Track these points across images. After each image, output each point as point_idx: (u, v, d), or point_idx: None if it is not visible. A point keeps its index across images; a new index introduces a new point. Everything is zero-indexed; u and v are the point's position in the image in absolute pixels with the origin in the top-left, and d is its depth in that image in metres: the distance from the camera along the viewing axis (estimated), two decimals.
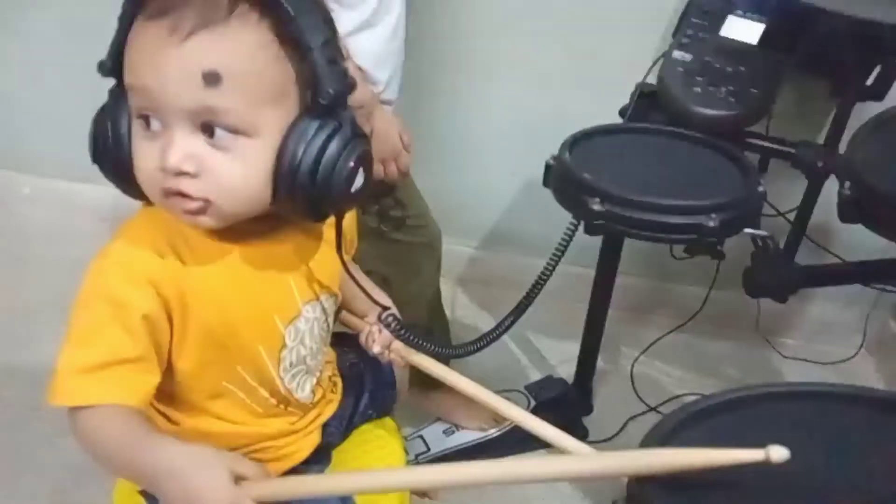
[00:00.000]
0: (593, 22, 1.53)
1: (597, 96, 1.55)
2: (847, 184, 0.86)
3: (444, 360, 1.11)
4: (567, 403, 1.46)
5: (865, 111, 1.25)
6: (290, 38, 0.62)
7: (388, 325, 0.89)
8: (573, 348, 1.60)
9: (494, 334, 1.26)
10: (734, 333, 1.74)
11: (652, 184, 0.99)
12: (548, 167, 1.05)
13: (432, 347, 0.93)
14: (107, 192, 0.70)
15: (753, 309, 1.64)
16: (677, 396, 1.57)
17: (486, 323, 1.75)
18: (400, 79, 1.18)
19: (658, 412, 1.53)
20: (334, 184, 0.65)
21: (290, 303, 0.77)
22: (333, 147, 0.64)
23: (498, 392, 1.46)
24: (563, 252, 1.22)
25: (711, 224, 0.91)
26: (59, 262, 1.76)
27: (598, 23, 1.52)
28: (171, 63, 0.60)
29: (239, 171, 0.63)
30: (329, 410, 0.89)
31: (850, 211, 0.86)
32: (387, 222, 1.17)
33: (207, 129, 0.62)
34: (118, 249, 0.68)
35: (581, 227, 1.14)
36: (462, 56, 1.59)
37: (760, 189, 0.98)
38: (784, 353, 1.71)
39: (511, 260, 1.82)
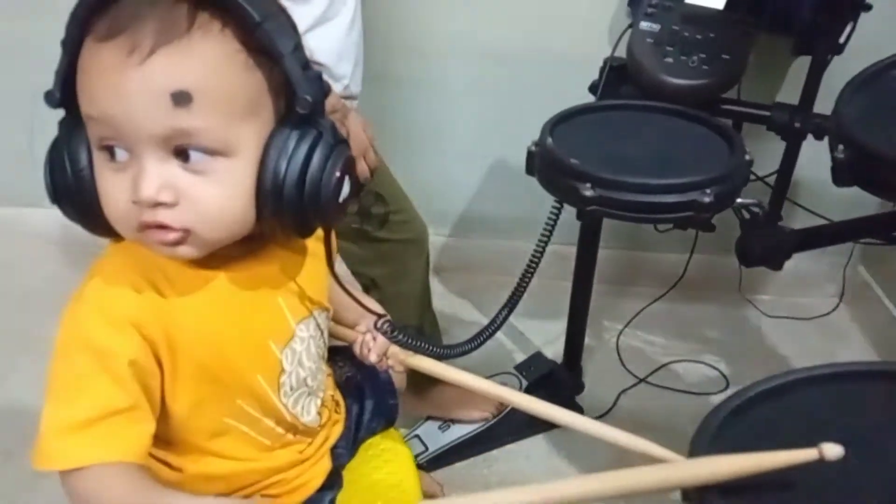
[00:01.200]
0: None
1: (557, 72, 1.53)
2: (840, 147, 0.84)
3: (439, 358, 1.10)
4: (558, 380, 1.45)
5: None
6: (258, 45, 0.57)
7: (385, 333, 0.85)
8: (557, 327, 1.59)
9: (492, 329, 1.25)
10: (714, 295, 1.74)
11: (641, 163, 0.96)
12: (530, 154, 1.01)
13: (432, 349, 0.90)
14: (52, 215, 0.64)
15: (731, 270, 1.64)
16: (665, 365, 1.58)
17: (467, 311, 1.73)
18: (361, 70, 1.13)
19: (648, 383, 1.53)
20: (323, 197, 0.61)
21: (282, 324, 0.73)
22: (317, 158, 0.60)
23: (488, 377, 1.45)
24: (549, 236, 1.20)
25: (706, 200, 0.89)
26: (9, 293, 1.69)
27: None
28: (135, 86, 0.54)
29: (219, 195, 0.59)
30: (336, 432, 0.85)
31: (844, 174, 0.84)
32: (370, 221, 1.13)
33: (181, 153, 0.57)
34: (93, 293, 0.62)
35: (564, 209, 1.13)
36: (418, 41, 1.54)
37: (747, 157, 0.96)
38: (765, 310, 1.73)
39: (484, 244, 1.80)
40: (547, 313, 1.62)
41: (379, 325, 0.85)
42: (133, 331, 0.61)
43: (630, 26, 1.18)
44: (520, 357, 1.58)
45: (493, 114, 1.59)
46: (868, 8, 1.07)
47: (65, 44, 0.57)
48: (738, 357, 1.61)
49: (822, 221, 1.37)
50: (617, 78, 1.19)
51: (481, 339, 1.27)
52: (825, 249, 1.65)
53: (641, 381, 1.54)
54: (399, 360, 0.88)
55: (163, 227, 0.58)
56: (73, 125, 0.59)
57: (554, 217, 1.22)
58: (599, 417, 1.44)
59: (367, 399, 0.93)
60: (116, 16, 0.55)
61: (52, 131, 0.61)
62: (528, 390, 1.39)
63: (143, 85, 0.54)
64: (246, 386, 0.70)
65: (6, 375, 1.42)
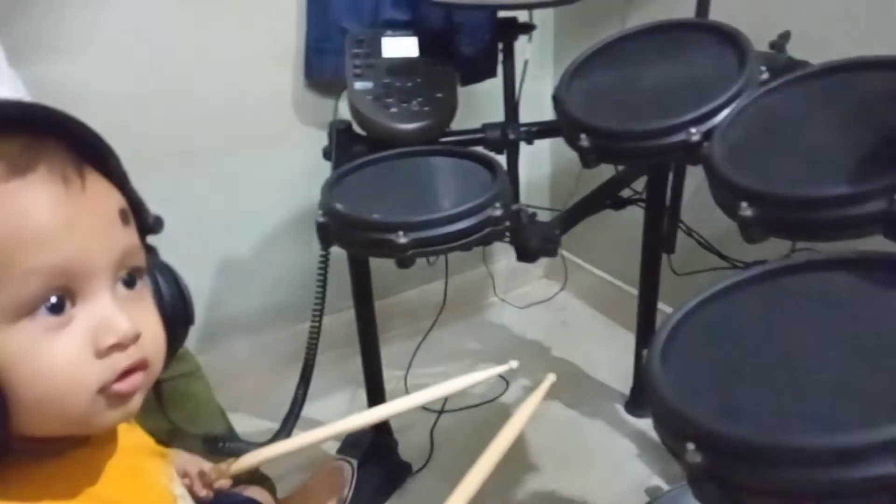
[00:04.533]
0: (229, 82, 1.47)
1: (251, 155, 1.51)
2: (583, 136, 0.97)
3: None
4: (382, 448, 1.42)
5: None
6: (112, 170, 0.52)
7: (216, 446, 0.79)
8: (345, 396, 1.57)
9: (296, 411, 1.27)
10: (472, 308, 1.88)
11: (431, 200, 1.00)
12: (322, 225, 0.98)
13: (252, 445, 0.87)
14: None
15: (481, 280, 1.78)
16: None
17: (244, 421, 1.58)
18: None
19: (447, 411, 1.58)
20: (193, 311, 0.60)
21: (165, 493, 0.62)
22: (178, 274, 0.59)
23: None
24: (321, 311, 1.20)
25: (499, 213, 0.96)
26: None
27: (233, 81, 1.47)
28: (89, 214, 0.47)
29: (156, 318, 0.53)
30: None
31: (592, 157, 0.97)
32: None
33: (124, 278, 0.50)
34: None
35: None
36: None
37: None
38: (511, 304, 1.92)
39: (229, 349, 1.68)
40: (328, 387, 1.58)
41: (208, 443, 0.86)
42: None
43: (346, 90, 1.22)
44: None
45: (201, 213, 1.50)
46: (531, 28, 1.25)
47: None
48: (504, 354, 1.73)
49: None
50: (347, 138, 1.21)
51: (289, 425, 1.22)
52: None
53: (441, 412, 1.58)
54: (221, 472, 0.78)
55: (138, 368, 0.49)
56: None
57: (321, 292, 1.22)
58: (426, 464, 1.45)
59: None
60: (7, 155, 0.44)
61: None
62: (361, 466, 1.34)
63: (96, 211, 0.48)
64: None
65: None
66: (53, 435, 0.50)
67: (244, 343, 1.65)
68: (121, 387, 0.48)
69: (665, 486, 1.33)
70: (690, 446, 0.55)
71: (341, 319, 1.46)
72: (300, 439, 0.81)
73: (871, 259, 0.68)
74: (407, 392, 1.62)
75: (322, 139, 1.26)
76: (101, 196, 0.49)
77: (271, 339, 1.67)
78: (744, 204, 0.76)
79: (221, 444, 0.78)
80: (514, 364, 0.79)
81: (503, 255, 1.92)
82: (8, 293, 0.44)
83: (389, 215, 0.93)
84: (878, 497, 0.49)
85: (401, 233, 0.91)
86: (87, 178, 0.48)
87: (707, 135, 0.90)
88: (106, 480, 0.53)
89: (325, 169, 1.19)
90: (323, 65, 1.51)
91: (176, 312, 0.58)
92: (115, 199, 0.50)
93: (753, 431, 0.53)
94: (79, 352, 0.46)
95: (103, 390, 0.47)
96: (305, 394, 1.28)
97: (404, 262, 0.92)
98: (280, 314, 1.67)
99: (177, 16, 1.36)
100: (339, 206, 0.96)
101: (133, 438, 0.62)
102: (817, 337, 0.62)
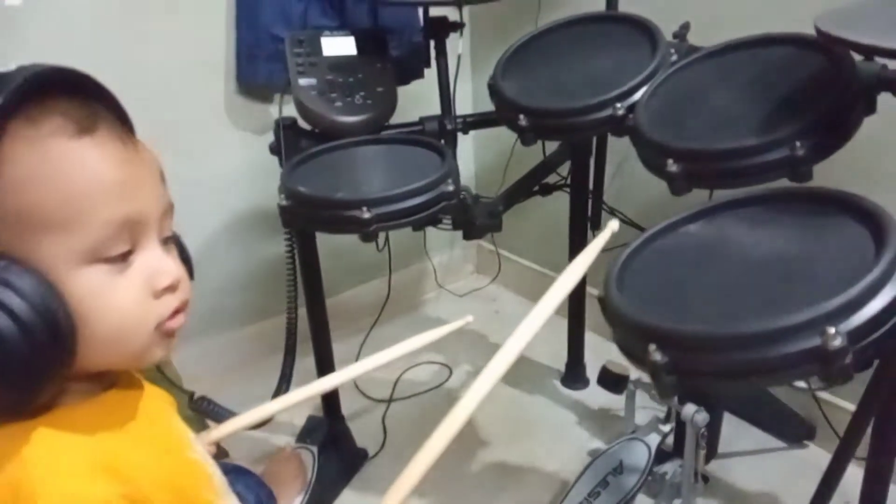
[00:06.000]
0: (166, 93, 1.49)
1: (186, 164, 1.52)
2: (522, 116, 1.08)
3: None
4: (339, 435, 1.46)
5: None
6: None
7: (202, 406, 0.83)
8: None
9: (284, 386, 1.29)
10: (415, 301, 1.97)
11: (388, 180, 1.08)
12: (284, 208, 1.04)
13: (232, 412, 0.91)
14: None
15: (419, 275, 1.86)
16: (398, 379, 1.71)
17: None
18: None
19: (395, 400, 1.64)
20: None
21: (183, 433, 0.67)
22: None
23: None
24: (296, 298, 1.25)
25: (450, 189, 1.06)
26: None
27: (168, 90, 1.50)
28: (146, 172, 0.54)
29: (183, 268, 0.58)
30: None
31: (531, 137, 1.09)
32: None
33: (162, 232, 0.56)
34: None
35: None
36: None
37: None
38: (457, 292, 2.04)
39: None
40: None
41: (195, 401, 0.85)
42: None
43: (289, 86, 1.28)
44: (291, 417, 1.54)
45: None
46: (460, 26, 1.36)
47: None
48: (444, 344, 1.81)
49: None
50: (293, 133, 1.27)
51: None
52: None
53: (390, 401, 1.65)
54: (204, 438, 0.83)
55: (183, 308, 0.56)
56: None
57: (292, 277, 1.27)
58: (381, 449, 1.51)
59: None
60: (69, 112, 0.51)
61: None
62: (321, 452, 1.38)
63: (150, 169, 0.55)
64: None
65: None
66: (103, 370, 0.55)
67: (191, 349, 1.66)
68: (172, 324, 0.55)
69: (604, 447, 1.44)
70: (652, 347, 0.66)
71: (282, 322, 1.47)
72: (278, 403, 0.85)
73: (778, 194, 0.82)
74: (356, 387, 1.68)
75: (257, 144, 1.32)
76: (147, 156, 0.56)
77: (213, 345, 1.69)
78: (669, 161, 0.89)
79: (207, 404, 0.82)
80: (469, 318, 0.85)
81: (436, 252, 2.02)
82: (86, 239, 0.50)
83: (352, 193, 1.00)
84: (809, 367, 0.61)
85: (364, 208, 0.98)
86: (134, 140, 0.55)
87: (630, 108, 1.03)
88: (139, 419, 0.59)
89: (261, 176, 1.24)
90: (255, 71, 1.57)
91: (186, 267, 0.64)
92: (156, 161, 0.57)
93: (702, 326, 0.65)
94: (140, 292, 0.53)
95: (158, 327, 0.54)
96: (288, 387, 1.33)
97: (368, 237, 0.99)
98: (221, 320, 1.70)
99: (107, 29, 1.38)
100: (302, 189, 1.02)
101: (148, 386, 0.67)
102: (744, 253, 0.74)
